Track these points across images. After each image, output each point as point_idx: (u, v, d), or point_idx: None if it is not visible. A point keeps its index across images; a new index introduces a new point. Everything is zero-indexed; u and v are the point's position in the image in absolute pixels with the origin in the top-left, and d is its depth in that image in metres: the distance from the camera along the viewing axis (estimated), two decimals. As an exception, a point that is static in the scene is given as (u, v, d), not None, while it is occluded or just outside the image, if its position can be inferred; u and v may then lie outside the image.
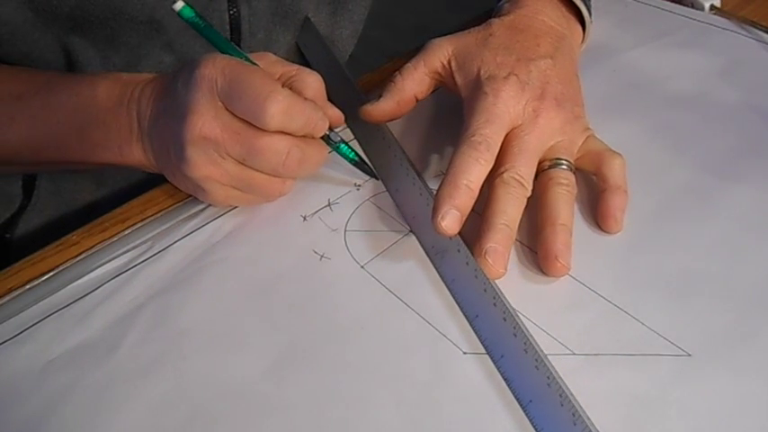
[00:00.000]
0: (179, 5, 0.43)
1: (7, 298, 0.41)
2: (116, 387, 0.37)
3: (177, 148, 0.42)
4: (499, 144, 0.43)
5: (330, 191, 0.47)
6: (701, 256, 0.42)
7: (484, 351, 0.37)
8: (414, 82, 0.48)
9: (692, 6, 0.65)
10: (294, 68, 0.44)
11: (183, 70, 0.43)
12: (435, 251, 0.42)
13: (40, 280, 0.42)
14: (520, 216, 0.42)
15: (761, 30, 0.60)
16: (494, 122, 0.43)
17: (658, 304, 0.39)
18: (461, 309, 0.40)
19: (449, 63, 0.48)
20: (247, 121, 0.41)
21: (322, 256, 0.43)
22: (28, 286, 0.42)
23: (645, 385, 0.36)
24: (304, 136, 0.42)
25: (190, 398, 0.36)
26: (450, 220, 0.40)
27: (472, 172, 0.41)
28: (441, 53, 0.48)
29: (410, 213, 0.45)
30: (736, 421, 0.34)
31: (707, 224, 0.44)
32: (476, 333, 0.38)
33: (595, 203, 0.44)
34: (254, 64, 0.43)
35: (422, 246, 0.43)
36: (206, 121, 0.40)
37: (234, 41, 0.55)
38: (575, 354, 0.37)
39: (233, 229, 0.45)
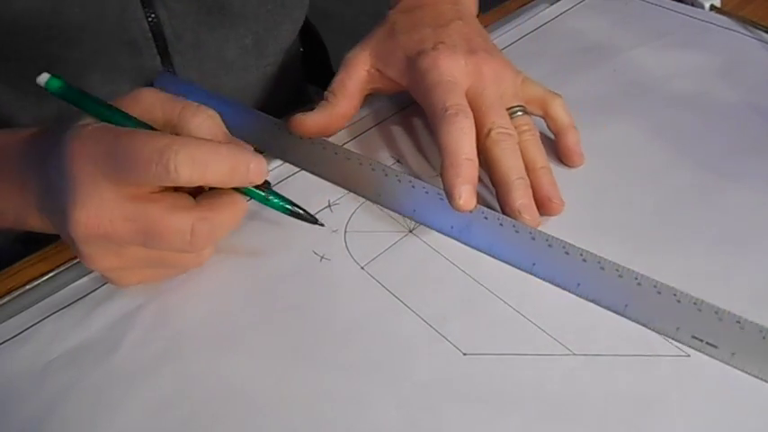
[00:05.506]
0: (44, 78, 0.36)
1: (7, 298, 0.41)
2: (116, 387, 0.37)
3: (71, 242, 0.36)
4: (469, 107, 0.44)
5: (330, 192, 0.47)
6: (701, 256, 0.42)
7: (484, 352, 0.37)
8: (345, 98, 0.49)
9: (692, 5, 0.65)
10: (175, 113, 0.37)
11: (51, 148, 0.36)
12: (459, 229, 0.43)
13: (40, 280, 0.42)
14: (523, 164, 0.44)
15: (761, 29, 0.60)
16: (452, 90, 0.44)
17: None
18: (513, 266, 0.41)
19: (373, 66, 0.49)
20: (138, 200, 0.35)
21: (322, 257, 0.43)
22: (28, 286, 0.42)
23: (645, 385, 0.36)
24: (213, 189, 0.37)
25: (190, 398, 0.36)
26: (467, 196, 0.41)
27: (465, 143, 0.42)
28: (361, 61, 0.49)
29: (408, 209, 0.45)
30: (736, 421, 0.34)
31: (707, 224, 0.44)
32: (539, 278, 0.41)
33: (553, 146, 0.48)
34: (129, 117, 0.36)
35: (437, 231, 0.44)
36: (90, 216, 0.34)
37: (159, 48, 0.53)
38: (575, 354, 0.37)
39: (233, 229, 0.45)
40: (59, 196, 0.35)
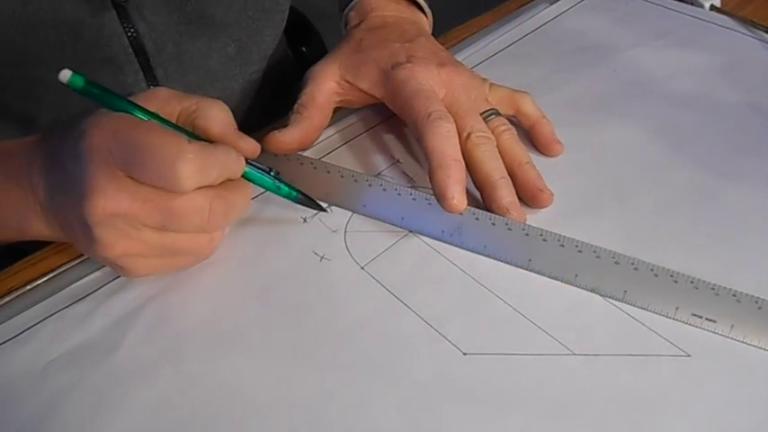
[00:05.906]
0: (66, 75, 0.36)
1: (7, 298, 0.41)
2: (116, 387, 0.37)
3: (84, 230, 0.37)
4: (449, 113, 0.45)
5: (330, 191, 0.47)
6: (701, 256, 0.42)
7: (484, 352, 0.37)
8: (317, 110, 0.49)
9: (692, 5, 0.65)
10: (193, 102, 0.40)
11: (66, 139, 0.38)
12: (449, 233, 0.43)
13: (40, 280, 0.42)
14: (506, 163, 0.45)
15: (761, 29, 0.60)
16: (431, 98, 0.46)
17: (658, 304, 0.39)
18: (510, 264, 0.42)
19: (343, 78, 0.49)
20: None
21: (322, 258, 0.43)
22: (28, 287, 0.42)
23: (645, 385, 0.36)
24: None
25: (190, 398, 0.36)
26: (460, 196, 0.42)
27: (450, 146, 0.43)
28: (330, 73, 0.49)
29: (396, 216, 0.44)
30: (736, 421, 0.34)
31: (707, 223, 0.44)
32: (536, 273, 0.41)
33: (530, 139, 0.50)
34: (148, 112, 0.38)
35: (427, 236, 0.44)
36: (109, 198, 0.35)
37: (141, 63, 0.52)
38: (575, 354, 0.37)
39: (233, 229, 0.45)
40: (74, 185, 0.36)
